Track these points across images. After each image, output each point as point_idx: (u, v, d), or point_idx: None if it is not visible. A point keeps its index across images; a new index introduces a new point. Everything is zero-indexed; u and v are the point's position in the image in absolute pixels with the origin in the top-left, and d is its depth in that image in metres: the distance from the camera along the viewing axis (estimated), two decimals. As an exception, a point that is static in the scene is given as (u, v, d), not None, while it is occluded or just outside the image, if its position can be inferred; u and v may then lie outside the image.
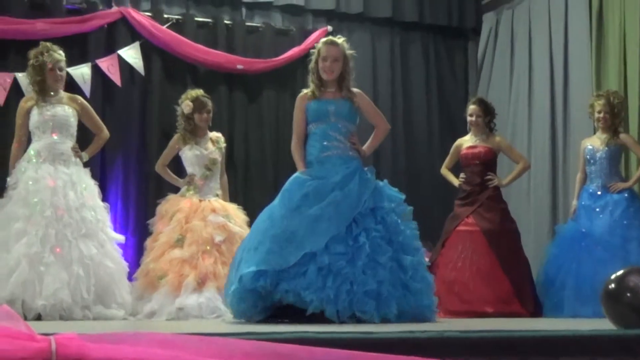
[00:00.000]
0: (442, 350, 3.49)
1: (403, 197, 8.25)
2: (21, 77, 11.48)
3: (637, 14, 11.81)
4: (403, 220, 8.16)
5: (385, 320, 7.38)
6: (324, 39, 8.68)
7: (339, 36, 8.63)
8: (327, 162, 8.20)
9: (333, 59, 8.27)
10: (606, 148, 10.77)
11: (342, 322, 7.25)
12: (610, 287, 4.76)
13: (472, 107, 11.39)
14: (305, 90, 8.58)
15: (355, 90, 8.53)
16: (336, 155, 8.24)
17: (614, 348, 3.80)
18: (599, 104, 10.80)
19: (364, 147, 8.59)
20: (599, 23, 12.59)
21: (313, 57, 8.50)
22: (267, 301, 7.62)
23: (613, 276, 4.88)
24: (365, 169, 8.31)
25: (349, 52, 8.43)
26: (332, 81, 8.36)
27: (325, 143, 8.30)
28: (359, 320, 7.33)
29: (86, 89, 11.87)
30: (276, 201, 8.10)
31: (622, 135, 10.84)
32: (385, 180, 8.41)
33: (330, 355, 2.62)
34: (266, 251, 7.50)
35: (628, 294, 4.62)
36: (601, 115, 10.76)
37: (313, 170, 8.23)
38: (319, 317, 7.30)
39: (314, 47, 8.77)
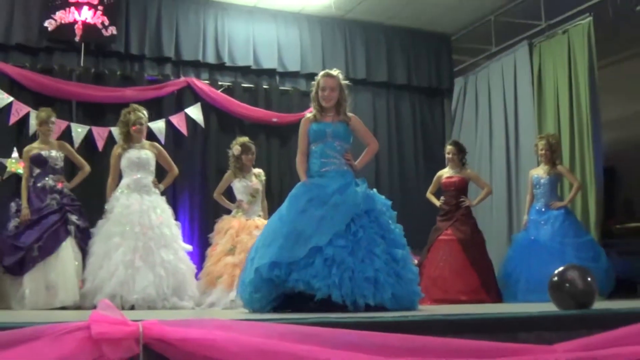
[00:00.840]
0: (429, 329, 3.48)
1: (390, 202, 7.67)
2: (113, 130, 11.56)
3: (566, 80, 12.15)
4: (393, 221, 7.52)
5: (381, 303, 6.73)
6: (322, 72, 7.92)
7: (334, 69, 7.89)
8: (326, 175, 7.56)
9: (330, 89, 7.66)
10: (548, 176, 10.98)
11: (345, 305, 6.58)
12: (554, 279, 4.82)
13: (449, 147, 11.44)
14: (308, 115, 7.97)
15: (350, 114, 7.89)
16: (333, 170, 7.59)
17: (556, 325, 3.80)
18: (541, 144, 11.03)
19: (357, 162, 7.87)
20: (539, 84, 12.85)
21: (314, 87, 7.87)
22: (280, 289, 6.92)
23: (556, 271, 4.92)
24: (358, 180, 7.65)
25: (344, 82, 7.81)
26: (331, 107, 7.72)
27: (323, 160, 7.66)
28: (359, 303, 6.64)
29: (161, 138, 11.97)
30: (284, 205, 7.47)
31: (559, 167, 11.08)
32: (375, 190, 7.78)
33: (344, 335, 2.63)
34: (279, 246, 6.86)
35: (567, 285, 4.69)
36: (543, 152, 10.98)
37: (314, 180, 7.60)
38: (325, 303, 6.66)
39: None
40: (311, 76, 13.67)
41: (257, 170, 10.96)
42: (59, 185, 9.86)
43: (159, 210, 9.75)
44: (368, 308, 6.65)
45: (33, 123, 11.14)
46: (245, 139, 10.93)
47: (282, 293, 6.99)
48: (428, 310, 6.92)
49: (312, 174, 7.66)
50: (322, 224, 7.00)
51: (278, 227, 7.14)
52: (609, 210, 12.66)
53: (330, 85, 7.70)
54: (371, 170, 13.65)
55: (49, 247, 9.37)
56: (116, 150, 10.01)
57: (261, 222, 10.34)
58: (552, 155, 10.98)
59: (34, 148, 10.00)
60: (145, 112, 10.08)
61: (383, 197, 7.71)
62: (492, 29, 13.90)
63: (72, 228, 9.62)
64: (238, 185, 10.67)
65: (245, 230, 10.19)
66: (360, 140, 8.21)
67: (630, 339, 2.85)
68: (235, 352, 2.33)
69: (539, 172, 11.11)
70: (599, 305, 4.82)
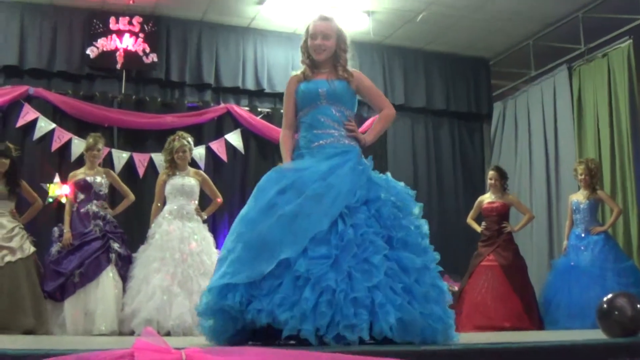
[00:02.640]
0: (471, 358, 3.43)
1: (410, 192, 5.57)
2: (154, 156, 11.85)
3: (606, 104, 12.06)
4: (409, 216, 5.41)
5: (381, 335, 4.69)
6: (314, 17, 5.98)
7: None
8: (319, 153, 5.52)
9: (323, 35, 5.75)
10: (587, 201, 10.91)
11: (323, 344, 4.61)
12: (603, 307, 4.79)
13: (491, 173, 11.42)
14: (294, 72, 5.97)
15: (352, 70, 5.89)
16: (329, 145, 5.55)
17: (602, 353, 3.76)
18: (581, 169, 10.95)
19: (366, 134, 5.88)
20: (579, 108, 12.75)
21: (303, 36, 5.93)
22: (238, 323, 4.94)
23: (605, 299, 4.90)
24: (365, 160, 5.60)
25: (342, 29, 5.91)
26: (326, 62, 5.81)
27: (315, 131, 5.61)
28: (344, 340, 4.60)
29: (201, 164, 12.06)
30: (250, 200, 5.43)
31: (599, 192, 10.99)
32: (388, 173, 5.65)
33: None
34: (236, 260, 4.93)
35: (616, 312, 4.66)
36: (582, 177, 10.92)
37: (297, 162, 5.61)
38: (297, 341, 4.80)
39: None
40: (351, 102, 13.75)
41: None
42: (101, 210, 9.93)
43: (199, 237, 9.76)
44: (363, 343, 4.71)
45: (75, 149, 11.44)
46: (285, 164, 10.86)
47: (242, 328, 5.04)
48: (469, 338, 6.62)
49: (302, 152, 5.66)
50: (295, 225, 5.01)
51: (239, 232, 5.18)
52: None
53: (323, 30, 5.82)
54: (410, 195, 13.66)
55: (90, 274, 9.44)
56: (161, 176, 10.08)
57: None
58: (591, 180, 10.92)
59: (79, 173, 10.11)
60: (190, 139, 10.09)
61: (401, 183, 5.63)
62: (531, 53, 13.93)
63: (113, 256, 9.65)
64: (278, 211, 10.61)
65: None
66: (369, 104, 6.35)
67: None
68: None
69: (579, 197, 11.05)
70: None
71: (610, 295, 4.94)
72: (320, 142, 5.54)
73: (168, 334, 8.92)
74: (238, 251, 4.95)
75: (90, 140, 10.21)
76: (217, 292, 4.86)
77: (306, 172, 5.30)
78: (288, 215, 5.00)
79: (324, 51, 5.76)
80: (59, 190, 11.34)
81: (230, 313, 4.84)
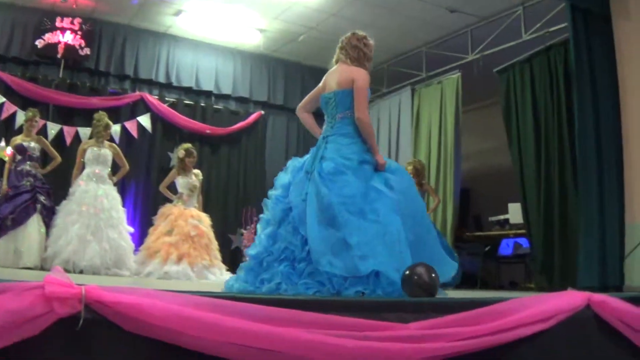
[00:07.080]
0: (318, 307, 3.43)
1: None
2: (80, 130, 11.74)
3: (437, 119, 12.40)
4: None
5: None
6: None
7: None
8: None
9: None
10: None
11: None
12: (405, 274, 4.70)
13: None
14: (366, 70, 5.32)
15: None
16: None
17: (412, 308, 3.79)
18: (409, 169, 10.74)
19: None
20: (417, 120, 13.02)
21: (368, 47, 5.47)
22: None
23: (407, 268, 4.84)
24: None
25: None
26: None
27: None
28: None
29: (117, 139, 11.82)
30: (390, 193, 4.94)
31: (426, 186, 10.97)
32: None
33: (244, 307, 2.65)
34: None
35: (415, 277, 4.57)
36: (412, 175, 10.82)
37: None
38: None
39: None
40: (240, 99, 13.79)
41: (196, 171, 10.83)
42: (33, 169, 9.91)
43: (110, 197, 9.82)
44: None
45: (19, 120, 11.29)
46: (189, 145, 10.81)
47: None
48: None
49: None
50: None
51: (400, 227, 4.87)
52: (462, 221, 12.99)
53: None
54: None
55: (20, 219, 9.47)
56: (82, 146, 10.10)
57: (196, 212, 10.39)
58: (417, 178, 10.68)
59: (18, 139, 10.11)
60: (107, 119, 10.12)
61: None
62: (385, 76, 14.06)
63: (39, 206, 9.68)
64: (181, 182, 10.54)
65: (182, 217, 10.08)
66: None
67: (467, 321, 3.03)
68: (157, 315, 2.36)
69: (412, 188, 11.11)
70: (451, 294, 4.83)
71: (410, 265, 4.83)
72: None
73: (81, 272, 8.99)
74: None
75: (30, 113, 10.21)
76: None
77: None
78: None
79: None
80: (3, 156, 11.19)
81: None
